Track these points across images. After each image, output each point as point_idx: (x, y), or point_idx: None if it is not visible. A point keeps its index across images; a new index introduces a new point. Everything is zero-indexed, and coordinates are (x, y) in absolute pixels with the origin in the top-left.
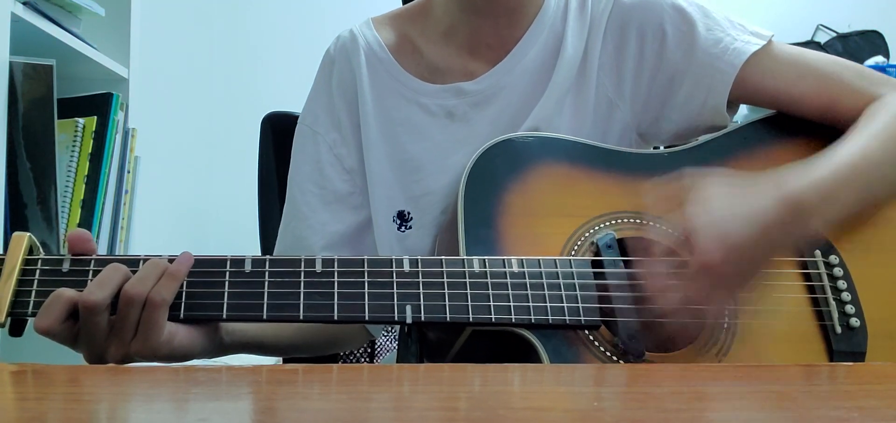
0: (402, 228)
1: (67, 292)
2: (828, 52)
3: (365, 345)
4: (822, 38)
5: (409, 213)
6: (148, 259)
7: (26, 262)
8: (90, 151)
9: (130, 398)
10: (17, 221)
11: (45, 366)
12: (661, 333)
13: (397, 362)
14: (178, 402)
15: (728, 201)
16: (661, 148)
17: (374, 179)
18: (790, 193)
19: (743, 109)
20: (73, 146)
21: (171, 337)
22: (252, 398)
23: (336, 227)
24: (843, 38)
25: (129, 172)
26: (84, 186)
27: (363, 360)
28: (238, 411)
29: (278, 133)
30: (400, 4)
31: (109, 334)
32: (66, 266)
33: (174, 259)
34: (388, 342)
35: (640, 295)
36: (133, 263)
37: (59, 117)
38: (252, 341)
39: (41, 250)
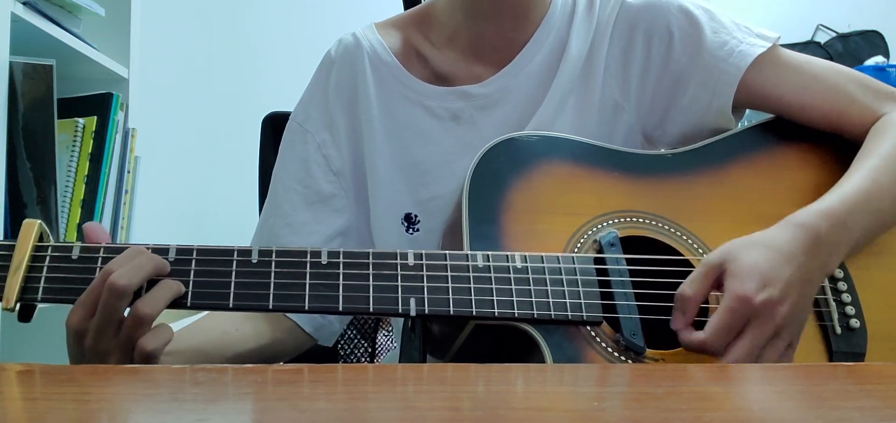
0: (410, 230)
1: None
2: (828, 52)
3: (363, 343)
4: (822, 38)
5: (416, 216)
6: (157, 252)
7: (36, 249)
8: (90, 151)
9: (131, 398)
10: (17, 221)
11: (48, 366)
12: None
13: (400, 356)
14: (178, 402)
15: (754, 249)
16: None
17: (380, 182)
18: (802, 222)
19: (748, 115)
20: (73, 146)
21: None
22: (252, 398)
23: (316, 227)
24: (843, 38)
25: (129, 172)
26: (84, 186)
27: (364, 359)
28: (238, 411)
29: (278, 133)
30: (401, 6)
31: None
32: (76, 253)
33: (184, 248)
34: (388, 342)
35: (643, 292)
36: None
37: (59, 117)
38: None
39: (51, 237)
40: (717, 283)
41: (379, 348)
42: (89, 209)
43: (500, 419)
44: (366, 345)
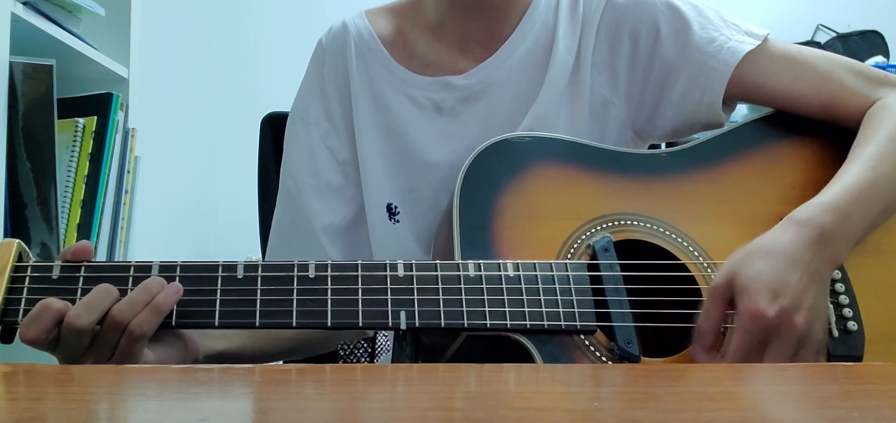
0: (392, 219)
1: (56, 305)
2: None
3: (363, 344)
4: (822, 38)
5: (396, 207)
6: (139, 269)
7: (15, 269)
8: (90, 151)
9: (129, 397)
10: (17, 221)
11: (39, 366)
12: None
13: (392, 363)
14: (177, 402)
15: (757, 259)
16: (663, 146)
17: (366, 168)
18: (804, 218)
19: (742, 108)
20: (73, 146)
21: (145, 360)
22: (252, 398)
23: (330, 218)
24: (843, 38)
25: (129, 172)
26: (84, 186)
27: (363, 359)
28: (238, 411)
29: (278, 133)
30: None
31: (88, 348)
32: (56, 273)
33: (167, 264)
34: (388, 342)
35: (637, 299)
36: (124, 268)
37: (59, 117)
38: (229, 356)
39: (31, 256)
40: (730, 303)
41: (379, 349)
42: (89, 209)
43: (501, 418)
44: (366, 345)
